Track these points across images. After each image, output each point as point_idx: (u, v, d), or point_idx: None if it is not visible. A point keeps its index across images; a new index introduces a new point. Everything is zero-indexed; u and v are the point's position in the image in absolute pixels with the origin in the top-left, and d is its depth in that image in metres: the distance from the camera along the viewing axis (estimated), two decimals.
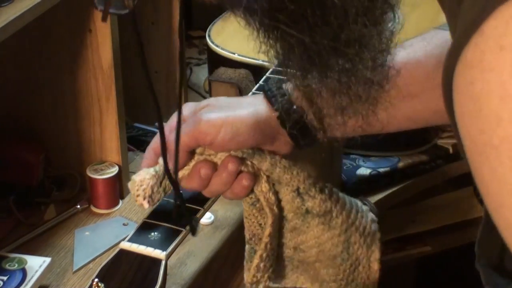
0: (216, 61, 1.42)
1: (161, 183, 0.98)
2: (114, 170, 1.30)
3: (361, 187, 1.35)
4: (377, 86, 0.79)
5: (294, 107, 0.97)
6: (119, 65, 1.26)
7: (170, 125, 1.01)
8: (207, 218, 1.27)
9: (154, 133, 1.47)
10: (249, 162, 0.99)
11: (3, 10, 1.04)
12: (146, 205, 0.97)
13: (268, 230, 1.02)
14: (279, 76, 0.99)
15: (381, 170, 1.37)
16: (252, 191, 1.01)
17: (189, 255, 1.20)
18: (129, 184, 0.98)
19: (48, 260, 1.14)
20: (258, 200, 1.02)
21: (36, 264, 1.13)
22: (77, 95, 1.29)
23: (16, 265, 1.13)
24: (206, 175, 0.98)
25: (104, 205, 1.30)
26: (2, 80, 1.32)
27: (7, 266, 1.12)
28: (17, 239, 1.23)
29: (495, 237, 0.78)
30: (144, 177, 0.97)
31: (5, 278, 1.10)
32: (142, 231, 1.01)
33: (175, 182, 0.94)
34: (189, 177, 0.99)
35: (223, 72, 1.33)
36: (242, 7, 0.74)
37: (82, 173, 1.32)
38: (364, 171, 1.37)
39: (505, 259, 0.82)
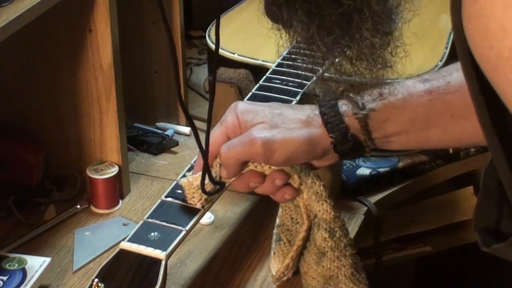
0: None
1: (215, 187, 1.05)
2: (114, 170, 1.30)
3: (361, 187, 1.35)
4: (380, 51, 0.81)
5: (349, 135, 1.02)
6: (119, 65, 1.26)
7: (222, 129, 1.06)
8: (207, 218, 1.27)
9: (154, 133, 1.48)
10: (295, 177, 1.05)
11: (3, 10, 1.04)
12: (199, 206, 1.04)
13: (302, 234, 1.08)
14: (333, 93, 1.02)
15: (381, 170, 1.37)
16: None
17: (189, 255, 1.20)
18: (184, 184, 1.04)
19: (48, 260, 1.14)
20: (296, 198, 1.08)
21: (36, 264, 1.13)
22: (77, 95, 1.29)
23: (16, 265, 1.13)
24: (253, 187, 1.05)
25: (104, 205, 1.30)
26: (2, 80, 1.32)
27: (7, 266, 1.12)
28: (17, 239, 1.23)
29: (492, 203, 0.79)
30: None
31: (5, 278, 1.10)
32: (142, 231, 1.01)
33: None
34: (238, 181, 1.05)
35: (223, 72, 1.32)
36: None
37: (82, 173, 1.32)
38: (364, 171, 1.37)
39: (501, 224, 0.83)
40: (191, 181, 1.03)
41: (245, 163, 1.04)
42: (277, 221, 1.13)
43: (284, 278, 1.14)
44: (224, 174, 1.04)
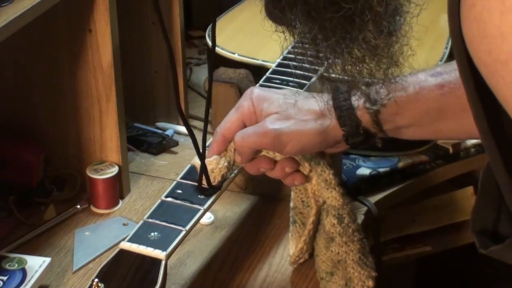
0: (216, 61, 1.42)
1: (230, 171, 1.10)
2: (114, 170, 1.30)
3: (361, 187, 1.35)
4: (385, 51, 0.82)
5: (360, 128, 1.04)
6: (119, 65, 1.26)
7: (238, 115, 1.09)
8: (207, 218, 1.27)
9: (154, 133, 1.48)
10: (306, 164, 1.09)
11: (3, 10, 1.04)
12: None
13: (311, 219, 1.12)
14: (346, 82, 1.03)
15: (381, 170, 1.37)
16: None
17: (189, 255, 1.20)
18: (198, 165, 1.08)
19: (48, 260, 1.14)
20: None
21: (36, 264, 1.13)
22: (77, 95, 1.29)
23: (16, 265, 1.13)
24: (264, 172, 1.09)
25: (104, 205, 1.30)
26: (2, 80, 1.32)
27: (7, 266, 1.12)
28: (17, 239, 1.23)
29: (491, 205, 0.79)
30: (217, 167, 1.08)
31: (5, 278, 1.10)
32: (142, 231, 1.01)
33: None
34: (250, 165, 1.09)
35: (223, 72, 1.32)
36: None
37: (82, 173, 1.32)
38: (364, 171, 1.37)
39: (499, 226, 0.83)
40: (207, 167, 1.08)
41: (258, 151, 1.08)
42: (291, 204, 1.16)
43: (301, 261, 1.17)
44: (238, 160, 1.09)
